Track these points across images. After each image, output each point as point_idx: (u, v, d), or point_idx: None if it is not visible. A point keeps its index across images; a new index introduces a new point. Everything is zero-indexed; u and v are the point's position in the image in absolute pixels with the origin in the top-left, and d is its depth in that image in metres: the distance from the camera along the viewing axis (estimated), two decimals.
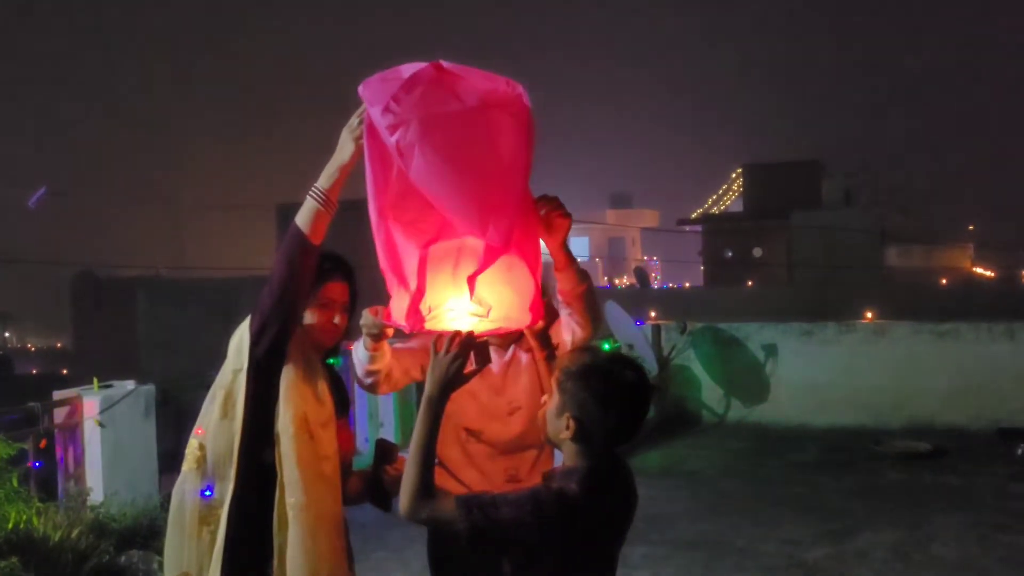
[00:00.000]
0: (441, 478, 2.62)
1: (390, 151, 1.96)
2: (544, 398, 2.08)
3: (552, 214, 2.27)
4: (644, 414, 2.02)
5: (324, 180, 2.21)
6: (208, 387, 2.34)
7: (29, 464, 5.01)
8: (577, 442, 1.97)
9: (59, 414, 5.31)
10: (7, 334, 45.32)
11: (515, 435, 2.64)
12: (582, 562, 1.96)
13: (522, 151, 2.01)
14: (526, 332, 2.58)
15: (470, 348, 2.01)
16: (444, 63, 2.00)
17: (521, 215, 2.05)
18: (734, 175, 42.52)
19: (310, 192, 2.21)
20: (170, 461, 5.35)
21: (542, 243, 2.24)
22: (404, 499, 1.92)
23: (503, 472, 2.64)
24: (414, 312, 2.02)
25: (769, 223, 30.63)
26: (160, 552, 3.15)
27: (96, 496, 5.14)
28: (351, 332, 2.49)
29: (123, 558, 4.64)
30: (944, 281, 27.91)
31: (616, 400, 1.95)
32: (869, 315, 10.38)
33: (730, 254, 33.42)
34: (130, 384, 5.61)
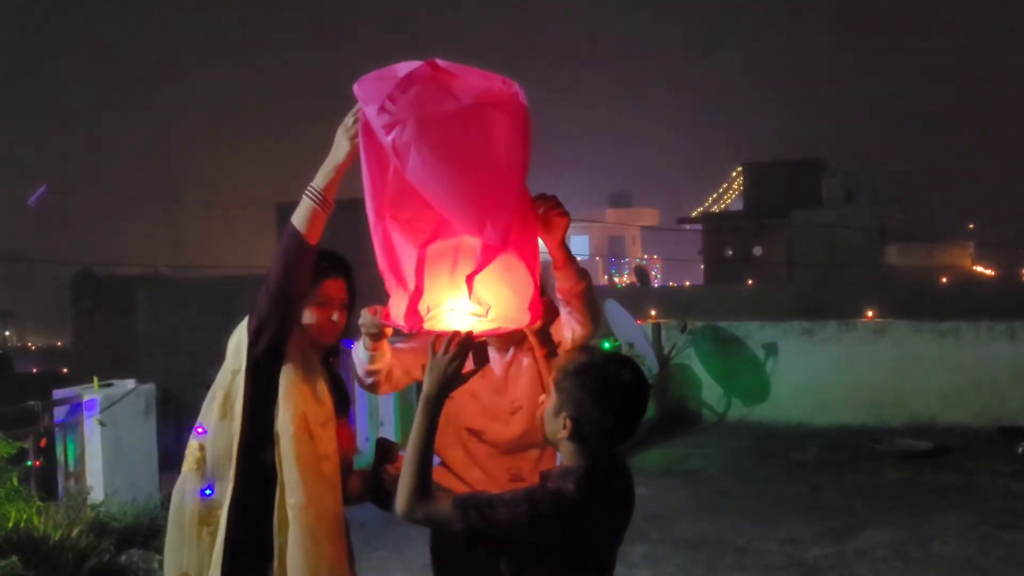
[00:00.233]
0: (444, 478, 2.62)
1: (386, 150, 1.95)
2: (542, 397, 2.08)
3: (550, 213, 2.26)
4: (642, 414, 2.02)
5: (320, 179, 2.20)
6: (208, 386, 2.34)
7: (29, 463, 5.01)
8: (574, 442, 1.97)
9: (59, 413, 5.31)
10: (7, 333, 45.32)
11: (517, 435, 2.64)
12: (580, 562, 1.95)
13: (519, 150, 2.00)
14: (526, 330, 2.58)
15: (468, 348, 2.01)
16: (439, 61, 2.00)
17: (519, 214, 2.04)
18: (734, 174, 42.50)
19: (306, 192, 2.20)
20: (170, 460, 5.35)
21: (541, 242, 2.24)
22: (401, 499, 1.91)
23: (506, 472, 2.64)
24: (413, 312, 2.02)
25: (769, 221, 30.63)
26: (160, 551, 3.15)
27: (96, 495, 5.15)
28: (350, 330, 2.48)
29: (123, 557, 4.64)
30: (945, 280, 27.88)
31: (613, 400, 1.95)
32: (870, 314, 10.36)
33: (730, 253, 33.41)
34: (130, 383, 5.61)
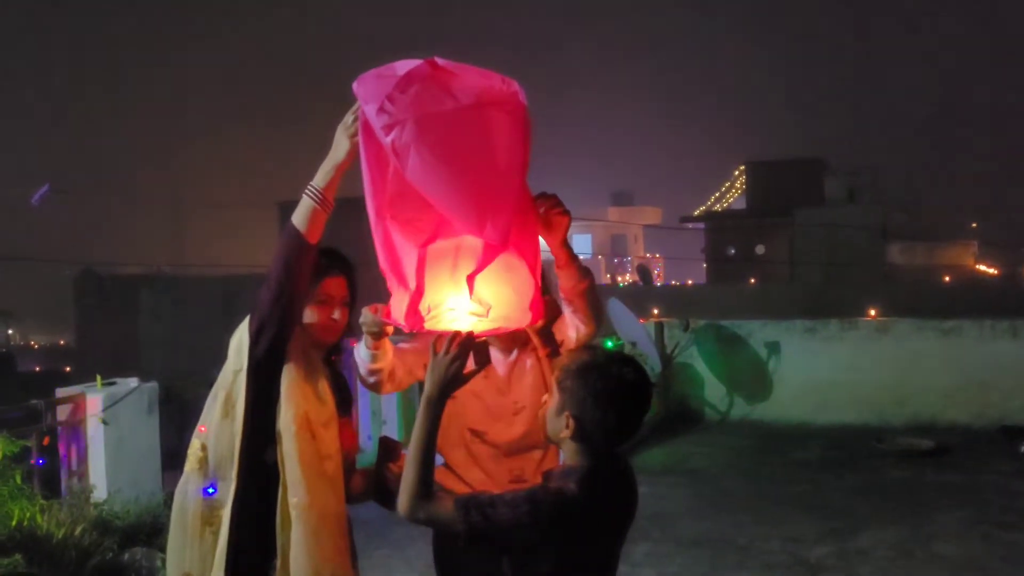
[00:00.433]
0: (446, 479, 2.61)
1: (386, 150, 1.95)
2: (545, 397, 2.07)
3: (551, 212, 2.26)
4: (644, 413, 2.02)
5: (320, 178, 2.20)
6: (211, 384, 2.34)
7: (32, 461, 5.02)
8: (577, 441, 1.96)
9: (62, 411, 5.32)
10: (10, 331, 45.40)
11: (519, 435, 2.63)
12: (582, 561, 1.95)
13: (519, 149, 1.99)
14: (528, 330, 2.58)
15: (469, 349, 2.01)
16: (439, 60, 1.99)
17: (519, 213, 2.04)
18: (737, 172, 42.51)
19: (306, 191, 2.19)
20: (173, 458, 5.36)
21: (543, 241, 2.24)
22: (403, 499, 1.91)
23: (508, 473, 2.63)
24: (413, 312, 2.02)
25: (772, 220, 30.65)
26: (163, 549, 3.15)
27: (99, 493, 5.15)
28: (352, 329, 2.48)
29: (126, 555, 4.65)
30: (947, 278, 27.87)
31: (616, 399, 1.95)
32: (872, 312, 10.36)
33: (733, 251, 33.43)
34: (133, 381, 5.62)
